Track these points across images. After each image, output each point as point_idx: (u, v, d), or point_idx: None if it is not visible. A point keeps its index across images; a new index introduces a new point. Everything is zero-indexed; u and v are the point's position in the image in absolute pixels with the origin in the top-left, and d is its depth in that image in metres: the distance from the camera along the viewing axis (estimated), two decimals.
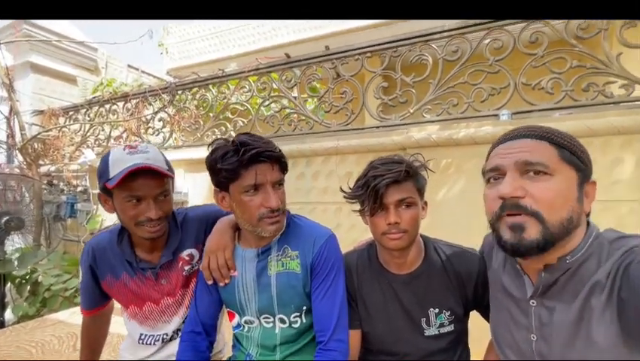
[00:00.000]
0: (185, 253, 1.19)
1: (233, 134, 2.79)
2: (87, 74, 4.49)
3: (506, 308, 0.82)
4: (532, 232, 0.67)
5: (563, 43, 1.86)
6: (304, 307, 1.05)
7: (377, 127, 2.27)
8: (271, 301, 1.04)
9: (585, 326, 0.66)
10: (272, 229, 0.97)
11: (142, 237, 1.06)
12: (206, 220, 1.21)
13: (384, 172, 0.93)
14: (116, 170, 0.97)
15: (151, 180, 1.00)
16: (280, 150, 0.97)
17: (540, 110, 1.89)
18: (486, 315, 1.03)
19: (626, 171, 1.66)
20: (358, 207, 1.02)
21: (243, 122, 2.77)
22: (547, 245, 0.67)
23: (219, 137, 2.81)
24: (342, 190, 1.05)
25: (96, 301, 1.21)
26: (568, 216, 0.67)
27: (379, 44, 2.27)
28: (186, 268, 1.18)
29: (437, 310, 1.01)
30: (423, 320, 1.01)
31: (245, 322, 1.10)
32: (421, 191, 1.02)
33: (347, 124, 2.36)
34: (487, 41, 2.00)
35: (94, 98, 3.54)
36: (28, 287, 3.16)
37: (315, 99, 2.55)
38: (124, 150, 1.03)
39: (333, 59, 2.41)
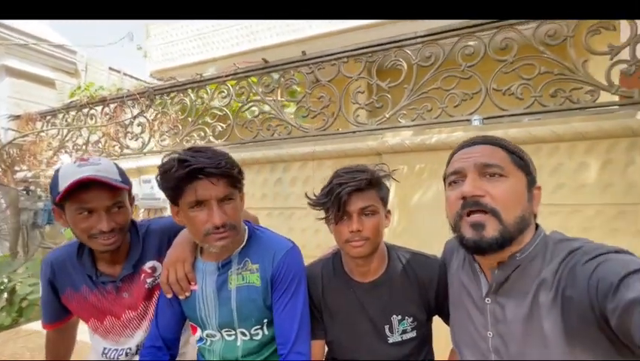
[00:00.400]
0: (147, 266, 1.17)
1: (212, 139, 2.77)
2: (67, 77, 4.40)
3: (464, 308, 0.86)
4: (491, 230, 0.71)
5: (532, 49, 1.89)
6: (265, 320, 1.05)
7: (354, 132, 2.28)
8: (231, 315, 1.03)
9: (536, 322, 0.69)
10: (219, 245, 0.95)
11: (97, 250, 1.04)
12: (169, 232, 1.19)
13: (347, 180, 0.95)
14: (64, 183, 0.95)
15: (102, 192, 0.98)
16: (230, 165, 0.94)
17: (510, 116, 1.92)
18: (447, 320, 1.05)
19: (591, 175, 1.70)
20: (322, 214, 1.03)
21: (222, 127, 2.75)
22: (504, 242, 0.72)
23: (195, 142, 2.79)
24: (307, 197, 1.05)
25: (57, 316, 1.19)
26: (521, 214, 0.72)
27: (354, 49, 2.27)
28: (148, 280, 1.16)
29: (399, 317, 1.02)
30: (386, 327, 1.02)
31: (207, 335, 1.09)
32: (384, 200, 1.02)
33: (324, 129, 2.36)
34: (459, 47, 2.02)
35: (72, 102, 3.47)
36: (5, 296, 3.09)
37: (294, 104, 2.54)
38: (75, 162, 1.02)
39: (310, 63, 2.41)
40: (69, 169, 0.99)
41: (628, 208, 1.64)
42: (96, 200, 0.98)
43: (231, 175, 0.93)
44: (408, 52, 2.16)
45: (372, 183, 0.97)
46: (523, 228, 0.73)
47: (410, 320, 1.03)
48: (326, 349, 1.12)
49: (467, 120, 1.98)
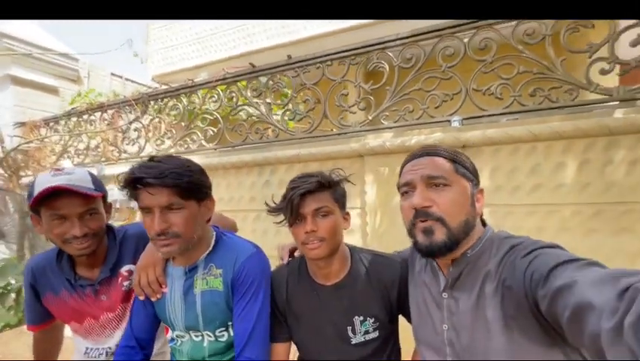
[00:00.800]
0: (124, 269, 1.23)
1: (204, 143, 2.84)
2: (70, 84, 4.54)
3: (425, 305, 0.91)
4: (439, 235, 0.79)
5: (511, 49, 1.88)
6: (229, 323, 1.10)
7: (338, 134, 2.31)
8: (196, 319, 1.08)
9: (481, 310, 0.76)
10: (162, 251, 0.99)
11: (72, 254, 1.11)
12: (146, 237, 1.25)
13: (299, 184, 1.00)
14: (38, 191, 1.02)
15: (74, 199, 1.05)
16: (176, 175, 0.95)
17: (489, 116, 1.92)
18: (409, 319, 1.07)
19: (569, 175, 1.69)
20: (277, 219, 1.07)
21: (213, 130, 2.81)
22: (452, 245, 0.79)
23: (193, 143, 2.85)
24: (267, 204, 1.10)
25: (41, 318, 1.26)
26: (466, 218, 0.80)
27: (337, 52, 2.30)
28: (125, 283, 1.23)
29: (361, 318, 1.05)
30: (349, 328, 1.05)
31: (177, 336, 1.14)
32: (339, 202, 1.06)
33: (310, 132, 2.39)
34: (439, 48, 2.03)
35: (72, 109, 3.59)
36: (13, 296, 3.23)
37: (281, 107, 2.58)
38: (50, 172, 1.08)
39: (295, 67, 2.44)
40: (44, 178, 1.06)
41: (605, 208, 1.63)
42: (68, 207, 1.05)
43: (177, 185, 0.95)
44: (390, 54, 2.17)
45: (324, 185, 1.01)
46: (468, 230, 0.81)
47: (372, 320, 1.05)
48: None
49: (448, 121, 1.99)
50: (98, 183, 1.15)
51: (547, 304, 0.59)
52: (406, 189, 0.86)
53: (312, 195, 0.99)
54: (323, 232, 0.99)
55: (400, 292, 1.06)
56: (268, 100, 2.58)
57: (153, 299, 1.13)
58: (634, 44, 1.66)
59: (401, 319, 1.12)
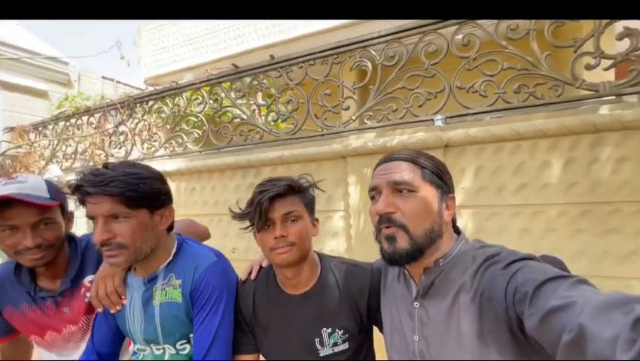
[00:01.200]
0: (88, 280, 1.19)
1: (189, 145, 2.80)
2: (60, 88, 4.52)
3: (398, 315, 0.88)
4: (402, 242, 0.77)
5: (495, 45, 1.83)
6: (191, 335, 1.05)
7: (322, 135, 2.26)
8: (155, 332, 1.04)
9: (454, 321, 0.74)
10: (109, 262, 0.96)
11: (26, 265, 1.07)
12: None
13: (269, 187, 0.94)
14: None
15: (26, 209, 1.00)
16: (123, 184, 0.90)
17: (474, 114, 1.87)
18: (381, 328, 1.04)
19: (554, 174, 1.64)
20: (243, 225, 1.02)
21: (198, 133, 2.78)
22: (414, 253, 0.77)
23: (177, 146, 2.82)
24: (231, 210, 1.05)
25: (5, 331, 1.22)
26: (431, 226, 0.78)
27: (320, 51, 2.25)
28: (88, 294, 1.19)
29: (329, 330, 1.01)
30: (317, 340, 1.01)
31: (138, 349, 1.11)
32: (309, 207, 1.02)
33: (294, 133, 2.35)
34: (422, 45, 1.97)
35: (60, 113, 3.56)
36: None
37: (265, 108, 2.54)
38: (1, 181, 1.04)
39: (278, 67, 2.39)
40: None
41: (593, 208, 1.58)
42: (19, 217, 1.00)
43: (121, 194, 0.90)
44: (372, 52, 2.12)
45: (293, 189, 0.97)
46: (434, 238, 0.78)
47: (341, 332, 1.01)
48: None
49: (431, 120, 1.94)
50: (54, 191, 1.11)
51: (535, 323, 0.56)
52: (373, 193, 0.84)
53: (282, 199, 0.95)
54: (293, 237, 0.95)
55: (370, 302, 1.02)
56: (252, 101, 2.54)
57: (112, 311, 1.09)
58: (620, 38, 1.61)
59: (377, 329, 1.08)
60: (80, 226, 3.31)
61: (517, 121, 1.70)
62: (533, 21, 1.75)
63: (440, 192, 0.80)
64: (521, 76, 1.77)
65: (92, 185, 0.88)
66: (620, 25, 1.61)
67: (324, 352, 1.01)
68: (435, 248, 0.79)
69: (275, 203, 0.94)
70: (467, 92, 1.88)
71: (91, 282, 1.19)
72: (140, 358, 1.11)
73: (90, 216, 0.92)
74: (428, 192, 0.79)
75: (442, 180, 0.82)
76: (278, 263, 0.98)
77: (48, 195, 1.07)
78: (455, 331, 0.73)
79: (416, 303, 0.83)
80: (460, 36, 1.89)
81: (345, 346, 1.02)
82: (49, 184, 1.11)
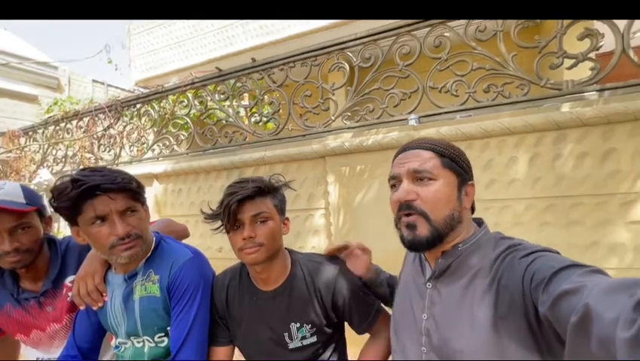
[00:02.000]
0: (69, 280, 1.24)
1: (176, 148, 2.85)
2: (50, 92, 4.54)
3: (408, 295, 0.90)
4: (422, 230, 0.78)
5: (464, 46, 1.89)
6: (168, 328, 1.11)
7: (303, 135, 2.32)
8: (136, 325, 1.09)
9: (467, 306, 0.74)
10: (126, 255, 1.01)
11: (6, 268, 1.13)
12: (88, 247, 1.27)
13: (238, 190, 0.98)
14: None
15: (3, 214, 1.06)
16: (127, 180, 1.00)
17: (446, 113, 1.93)
18: (352, 324, 1.09)
19: (521, 169, 1.71)
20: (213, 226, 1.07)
21: (184, 135, 2.83)
22: (434, 240, 0.78)
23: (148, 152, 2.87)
24: (202, 212, 1.10)
25: None
26: (450, 213, 0.78)
27: (299, 54, 2.31)
28: (70, 294, 1.24)
29: (297, 325, 1.05)
30: (285, 334, 1.06)
31: (120, 343, 1.16)
32: (279, 207, 1.06)
33: (276, 134, 2.41)
34: (396, 47, 2.04)
35: (50, 117, 3.60)
36: None
37: (248, 110, 2.60)
38: None
39: (260, 70, 2.45)
40: None
41: (557, 201, 1.65)
42: None
43: (130, 189, 0.99)
44: (349, 54, 2.18)
45: (262, 191, 1.00)
46: (454, 224, 0.79)
47: (309, 326, 1.05)
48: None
49: (406, 120, 2.00)
50: (31, 196, 1.16)
51: (548, 305, 0.58)
52: (393, 182, 0.85)
53: (250, 201, 0.98)
54: (261, 237, 0.98)
55: (335, 297, 1.05)
56: (236, 103, 2.59)
57: (94, 308, 1.14)
58: (581, 38, 1.67)
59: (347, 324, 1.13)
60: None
61: (486, 120, 1.76)
62: (500, 22, 1.81)
63: (459, 180, 0.80)
64: (490, 76, 1.84)
65: (109, 183, 0.95)
66: (581, 25, 1.68)
67: (293, 345, 1.05)
68: (455, 234, 0.79)
69: (244, 205, 0.97)
70: (440, 92, 1.94)
71: (72, 282, 1.25)
72: (121, 351, 1.17)
73: (99, 216, 0.98)
74: (448, 180, 0.79)
75: (461, 167, 0.82)
76: (247, 262, 1.02)
77: (24, 201, 1.12)
78: (467, 314, 0.73)
79: (428, 284, 0.84)
80: (432, 38, 1.95)
81: (314, 339, 1.06)
82: (25, 190, 1.16)
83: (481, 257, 0.77)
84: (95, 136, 3.27)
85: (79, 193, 0.94)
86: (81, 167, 3.27)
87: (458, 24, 1.91)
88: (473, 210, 0.86)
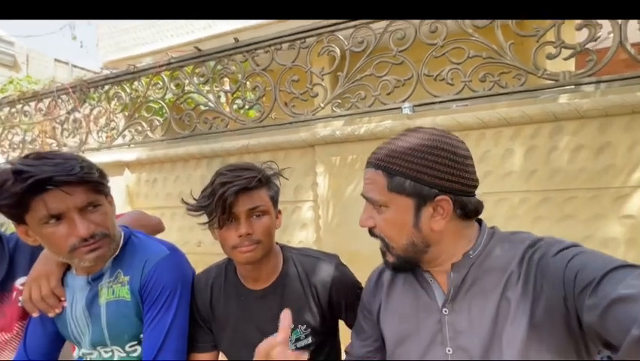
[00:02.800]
0: (19, 283, 1.08)
1: (150, 134, 2.63)
2: (4, 71, 4.11)
3: (416, 325, 0.75)
4: (389, 256, 0.75)
5: (461, 33, 1.82)
6: (141, 336, 0.98)
7: (290, 123, 2.18)
8: (102, 334, 0.95)
9: (503, 321, 0.63)
10: (91, 257, 0.86)
11: None
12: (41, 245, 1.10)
13: (232, 179, 0.86)
14: None
15: None
16: (87, 168, 0.84)
17: (440, 102, 1.86)
18: (349, 322, 1.02)
19: (517, 162, 1.67)
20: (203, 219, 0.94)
21: (159, 120, 2.61)
22: (404, 266, 0.74)
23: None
24: (184, 202, 0.96)
25: None
26: (408, 242, 0.70)
27: (287, 35, 2.15)
28: (21, 298, 1.07)
29: (291, 326, 0.97)
30: None
31: (83, 354, 1.01)
32: (274, 199, 0.96)
33: (261, 121, 2.26)
34: (390, 31, 1.93)
35: (4, 98, 3.24)
36: None
37: (231, 95, 2.42)
38: None
39: (243, 51, 2.27)
40: None
41: (551, 194, 1.62)
42: None
43: (91, 180, 0.83)
44: (340, 37, 2.05)
45: (261, 182, 0.90)
46: (419, 250, 0.71)
47: (304, 327, 0.98)
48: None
49: (399, 108, 1.91)
50: None
51: (598, 313, 0.51)
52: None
53: (248, 192, 0.87)
54: (259, 234, 0.89)
55: (332, 295, 0.98)
56: (217, 87, 2.41)
57: (50, 315, 0.98)
58: (579, 28, 1.64)
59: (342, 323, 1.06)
60: None
61: (482, 110, 1.70)
62: None
63: (415, 200, 0.67)
64: (486, 64, 1.77)
65: (64, 175, 0.77)
66: None
67: None
68: (436, 254, 0.71)
69: (240, 197, 0.86)
70: (435, 80, 1.86)
71: (24, 284, 1.08)
72: None
73: (57, 214, 0.80)
74: (398, 205, 0.69)
75: (421, 182, 0.67)
76: (242, 262, 0.92)
77: None
78: (506, 334, 0.62)
79: (444, 310, 0.71)
80: (427, 23, 1.86)
81: (309, 341, 0.99)
82: None
83: (501, 261, 0.67)
84: (57, 120, 2.97)
85: (25, 188, 0.76)
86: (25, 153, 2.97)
87: None
88: (474, 213, 0.72)
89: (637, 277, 0.50)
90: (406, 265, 0.74)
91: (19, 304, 1.07)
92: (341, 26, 2.03)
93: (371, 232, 0.75)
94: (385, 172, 0.70)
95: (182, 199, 0.97)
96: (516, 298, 0.63)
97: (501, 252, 0.69)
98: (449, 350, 0.69)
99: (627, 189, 1.50)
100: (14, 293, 1.07)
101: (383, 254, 0.76)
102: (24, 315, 1.08)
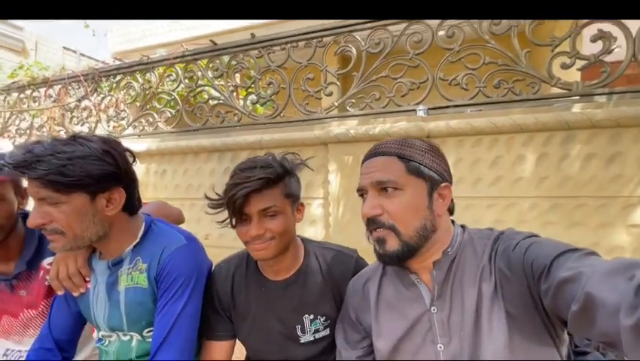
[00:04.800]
0: (47, 262, 1.11)
1: (161, 125, 2.64)
2: (13, 56, 4.09)
3: (405, 323, 0.78)
4: (392, 244, 0.73)
5: (478, 39, 1.85)
6: None
7: (304, 120, 2.20)
8: (120, 319, 0.96)
9: (485, 314, 0.68)
10: (51, 247, 0.87)
11: None
12: None
13: (244, 180, 0.85)
14: None
15: None
16: (50, 165, 0.77)
17: (455, 106, 1.89)
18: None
19: (528, 168, 1.70)
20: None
21: (171, 112, 2.62)
22: (404, 254, 0.73)
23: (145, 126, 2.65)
24: (207, 197, 0.97)
25: None
26: (422, 224, 0.72)
27: (304, 33, 2.18)
28: (48, 277, 1.09)
29: (311, 317, 0.99)
30: (298, 327, 0.98)
31: (103, 336, 1.02)
32: (291, 196, 0.94)
33: (274, 117, 2.27)
34: (408, 33, 1.96)
35: (13, 83, 3.23)
36: None
37: (245, 90, 2.43)
38: None
39: (259, 47, 2.29)
40: None
41: (561, 201, 1.65)
42: None
43: (43, 178, 0.78)
44: (357, 37, 2.08)
45: (272, 181, 0.88)
46: (427, 235, 0.73)
47: (323, 318, 0.99)
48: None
49: (414, 110, 1.94)
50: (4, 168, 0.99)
51: (550, 296, 0.57)
52: (360, 193, 0.80)
53: (259, 193, 0.86)
54: (271, 232, 0.89)
55: None
56: (230, 82, 2.42)
57: (75, 294, 1.00)
58: (594, 40, 1.67)
59: None
60: None
61: (496, 115, 1.73)
62: None
63: (429, 184, 0.74)
64: (501, 71, 1.80)
65: (16, 166, 0.77)
66: (595, 27, 1.67)
67: (305, 338, 0.99)
68: (432, 243, 0.74)
69: (251, 198, 0.86)
70: (450, 85, 1.89)
71: (51, 264, 1.10)
72: (105, 344, 1.03)
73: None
74: (415, 187, 0.73)
75: (432, 169, 0.75)
76: (256, 258, 0.94)
77: None
78: (488, 327, 0.66)
79: (433, 308, 0.74)
80: (445, 28, 1.89)
81: (327, 332, 1.00)
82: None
83: (473, 257, 0.72)
84: (66, 107, 2.97)
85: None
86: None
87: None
88: (451, 211, 0.81)
89: (576, 260, 0.56)
90: (407, 254, 0.73)
91: (46, 283, 1.08)
92: (359, 27, 2.06)
93: (374, 221, 0.74)
94: (401, 158, 0.74)
95: (205, 195, 0.97)
96: (490, 292, 0.68)
97: (472, 248, 0.74)
98: (440, 347, 0.73)
99: (635, 198, 1.54)
100: (41, 272, 1.09)
101: (382, 243, 0.73)
102: (50, 293, 1.10)
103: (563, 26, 1.73)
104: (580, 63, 1.69)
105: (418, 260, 0.76)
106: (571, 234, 1.61)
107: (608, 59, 1.64)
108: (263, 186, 0.86)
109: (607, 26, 1.64)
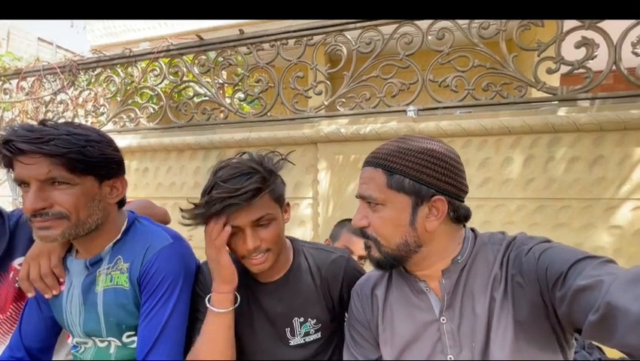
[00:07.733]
0: (17, 263, 1.01)
1: (143, 121, 2.53)
2: None
3: (414, 333, 0.76)
4: (374, 253, 0.75)
5: (467, 42, 1.87)
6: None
7: (292, 119, 2.17)
8: (98, 323, 0.89)
9: (496, 325, 0.66)
10: (38, 235, 0.80)
11: None
12: None
13: (230, 193, 0.77)
14: None
15: None
16: (72, 144, 0.75)
17: (444, 108, 1.90)
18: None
19: (515, 170, 1.72)
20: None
21: (154, 108, 2.52)
22: (390, 263, 0.73)
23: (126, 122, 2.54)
24: (182, 210, 0.86)
25: None
26: (402, 241, 0.71)
27: (294, 31, 2.14)
28: (18, 279, 1.00)
29: (301, 320, 0.94)
30: (287, 330, 0.94)
31: (78, 343, 0.95)
32: (280, 199, 0.89)
33: (262, 115, 2.23)
34: (398, 34, 1.96)
35: None
36: None
37: (232, 87, 2.37)
38: None
39: (247, 43, 2.24)
40: None
41: (547, 203, 1.68)
42: None
43: (62, 155, 0.75)
44: (348, 37, 2.07)
45: (260, 190, 0.80)
46: (411, 250, 0.71)
47: (313, 321, 0.95)
48: None
49: (404, 111, 1.94)
50: None
51: (565, 304, 0.55)
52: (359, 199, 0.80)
53: (249, 204, 0.79)
54: (267, 243, 0.84)
55: (342, 290, 0.97)
56: (217, 79, 2.36)
57: (47, 297, 0.92)
58: (578, 46, 1.72)
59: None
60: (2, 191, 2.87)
61: (485, 117, 1.75)
62: (503, 22, 1.81)
63: (414, 199, 0.69)
64: (490, 74, 1.83)
65: (26, 141, 0.71)
66: (578, 34, 1.72)
67: (294, 341, 0.95)
68: (425, 255, 0.71)
69: (242, 211, 0.79)
70: (439, 86, 1.90)
71: (22, 264, 1.01)
72: (81, 351, 0.95)
73: (21, 180, 0.76)
74: (397, 203, 0.69)
75: (420, 182, 0.68)
76: (254, 271, 0.88)
77: None
78: (497, 335, 0.65)
79: (442, 318, 0.72)
80: (435, 30, 1.91)
81: (317, 335, 0.96)
82: None
83: (486, 264, 0.70)
84: (41, 100, 2.81)
85: (2, 149, 0.75)
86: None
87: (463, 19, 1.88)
88: (465, 219, 0.74)
89: (594, 268, 0.54)
90: (392, 263, 0.74)
91: (16, 285, 1.00)
92: (350, 26, 2.05)
93: (364, 232, 0.75)
94: (385, 170, 0.71)
95: (180, 208, 0.87)
96: (500, 299, 0.66)
97: (484, 255, 0.71)
98: (450, 358, 0.71)
99: (616, 201, 1.58)
100: (11, 273, 1.00)
101: (368, 250, 0.75)
102: (20, 297, 1.01)
103: (549, 32, 1.77)
104: (565, 68, 1.74)
105: (421, 268, 0.74)
106: (556, 235, 1.64)
107: (590, 66, 1.69)
108: (253, 197, 0.79)
109: (590, 33, 1.69)
